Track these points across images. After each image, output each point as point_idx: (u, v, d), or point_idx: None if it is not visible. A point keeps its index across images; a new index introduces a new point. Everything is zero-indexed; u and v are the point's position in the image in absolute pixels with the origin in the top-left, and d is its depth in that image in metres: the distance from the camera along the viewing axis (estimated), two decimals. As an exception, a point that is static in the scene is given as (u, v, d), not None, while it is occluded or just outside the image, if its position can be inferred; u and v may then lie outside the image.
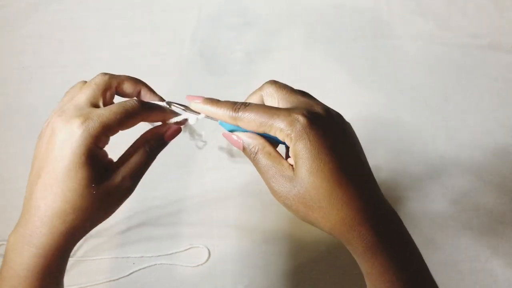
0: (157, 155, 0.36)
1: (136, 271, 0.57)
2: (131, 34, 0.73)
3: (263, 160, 0.33)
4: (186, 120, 0.36)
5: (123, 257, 0.58)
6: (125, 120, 0.33)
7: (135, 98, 0.35)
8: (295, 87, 0.37)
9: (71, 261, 0.53)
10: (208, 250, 0.59)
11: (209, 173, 0.63)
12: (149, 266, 0.58)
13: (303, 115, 0.30)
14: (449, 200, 0.62)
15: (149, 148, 0.35)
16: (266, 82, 0.35)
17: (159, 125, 0.37)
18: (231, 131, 0.35)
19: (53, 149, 0.32)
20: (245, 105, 0.33)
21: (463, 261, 0.59)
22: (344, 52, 0.73)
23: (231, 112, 0.33)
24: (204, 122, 0.36)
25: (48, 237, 0.32)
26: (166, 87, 0.70)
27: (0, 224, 0.59)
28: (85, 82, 0.36)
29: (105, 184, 0.32)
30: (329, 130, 0.31)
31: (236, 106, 0.33)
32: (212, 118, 0.35)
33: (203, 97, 0.35)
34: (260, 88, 0.35)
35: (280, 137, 0.31)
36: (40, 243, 0.32)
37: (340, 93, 0.69)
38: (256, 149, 0.33)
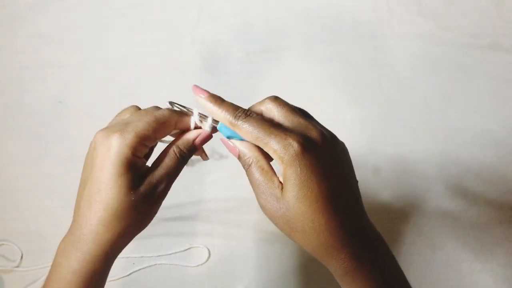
0: (188, 159, 0.37)
1: (136, 271, 0.57)
2: (131, 34, 0.73)
3: (255, 174, 0.34)
4: (214, 128, 0.37)
5: (123, 257, 0.58)
6: (157, 127, 0.35)
7: (167, 109, 0.37)
8: (295, 87, 0.37)
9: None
10: (208, 250, 0.59)
11: (209, 173, 0.63)
12: (149, 266, 0.58)
13: (298, 142, 0.31)
14: (449, 200, 0.62)
15: (179, 153, 0.36)
16: (268, 98, 0.35)
17: (187, 132, 0.38)
18: (229, 137, 0.35)
19: (95, 162, 0.34)
20: (246, 114, 0.33)
21: (463, 261, 0.59)
22: (344, 52, 0.73)
23: (231, 118, 0.34)
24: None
25: (94, 244, 0.34)
26: (166, 87, 0.70)
27: (0, 224, 0.59)
28: (138, 108, 0.38)
29: (141, 190, 0.34)
30: (321, 158, 0.31)
31: (238, 112, 0.34)
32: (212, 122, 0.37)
33: (208, 93, 0.36)
34: (261, 103, 0.35)
35: (273, 156, 0.32)
36: (87, 249, 0.34)
37: (340, 93, 0.69)
38: (250, 161, 0.34)
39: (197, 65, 0.71)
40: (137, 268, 0.57)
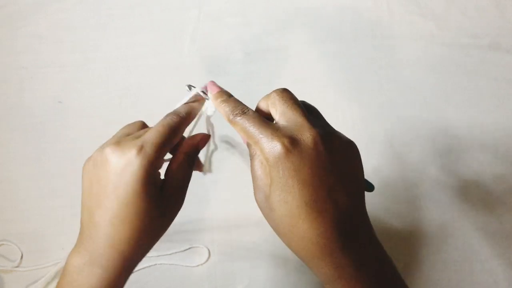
0: (193, 162, 0.38)
1: (136, 271, 0.57)
2: (131, 34, 0.73)
3: (255, 166, 0.33)
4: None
5: (123, 257, 0.58)
6: (173, 136, 0.35)
7: (172, 113, 0.38)
8: (295, 87, 0.37)
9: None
10: (208, 250, 0.59)
11: (210, 173, 0.63)
12: (149, 266, 0.58)
13: (283, 144, 0.30)
14: (449, 200, 0.62)
15: (189, 160, 0.37)
16: (275, 90, 0.35)
17: (191, 137, 0.39)
18: None
19: (114, 177, 0.33)
20: (242, 111, 0.34)
21: (463, 261, 0.59)
22: (344, 52, 0.73)
23: (229, 114, 0.34)
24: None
25: (115, 261, 0.34)
26: (166, 87, 0.70)
27: (0, 224, 0.59)
28: (145, 124, 0.39)
29: (164, 204, 0.34)
30: (307, 162, 0.30)
31: (236, 110, 0.34)
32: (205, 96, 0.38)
33: (219, 89, 0.37)
34: (268, 96, 0.35)
35: (261, 156, 0.32)
36: (107, 266, 0.34)
37: (340, 93, 0.69)
38: (254, 153, 0.34)
39: (197, 65, 0.71)
40: (137, 268, 0.57)
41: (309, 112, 0.34)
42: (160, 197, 0.34)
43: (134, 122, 0.39)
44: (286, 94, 0.34)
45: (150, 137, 0.33)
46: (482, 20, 0.75)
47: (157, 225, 0.35)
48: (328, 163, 0.31)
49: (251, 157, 0.34)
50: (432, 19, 0.75)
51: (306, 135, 0.31)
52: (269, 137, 0.31)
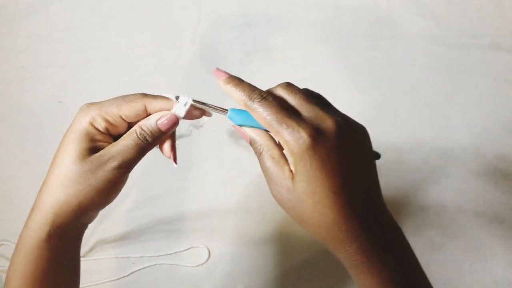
0: (151, 142, 0.34)
1: (136, 271, 0.57)
2: (131, 34, 0.73)
3: (266, 162, 0.32)
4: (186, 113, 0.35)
5: (123, 257, 0.58)
6: (123, 103, 0.34)
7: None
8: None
9: (71, 261, 0.53)
10: (208, 250, 0.59)
11: (210, 173, 0.63)
12: (149, 266, 0.58)
13: (310, 134, 0.30)
14: (448, 200, 0.62)
15: (140, 132, 0.34)
16: (280, 84, 0.34)
17: (155, 114, 0.35)
18: (240, 125, 0.34)
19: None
20: (262, 96, 0.32)
21: (463, 261, 0.59)
22: (344, 52, 0.73)
23: (246, 99, 0.32)
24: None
25: (38, 210, 0.34)
26: (166, 87, 0.70)
27: (0, 224, 0.59)
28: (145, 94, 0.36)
29: (90, 160, 0.33)
30: (332, 152, 0.30)
31: (254, 94, 0.32)
32: (219, 112, 0.35)
33: (227, 74, 0.34)
34: (273, 90, 0.34)
35: (284, 147, 0.31)
36: (33, 217, 0.34)
37: (340, 93, 0.69)
38: (261, 149, 0.33)
39: (197, 65, 0.71)
40: (137, 268, 0.57)
41: (319, 101, 0.34)
42: (87, 159, 0.33)
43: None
44: (293, 87, 0.33)
45: (103, 101, 0.34)
46: (482, 20, 0.75)
47: (85, 183, 0.33)
48: (350, 151, 0.32)
49: (258, 153, 0.33)
50: (432, 19, 0.75)
51: (328, 124, 0.31)
52: (294, 127, 0.30)
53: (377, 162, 0.32)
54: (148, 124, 0.34)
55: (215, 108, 0.35)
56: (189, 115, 0.35)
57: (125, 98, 0.34)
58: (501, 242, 0.60)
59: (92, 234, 0.58)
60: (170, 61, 0.71)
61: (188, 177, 0.63)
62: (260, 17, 0.75)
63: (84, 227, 0.37)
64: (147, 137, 0.34)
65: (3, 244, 0.58)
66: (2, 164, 0.63)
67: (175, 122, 0.35)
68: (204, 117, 0.37)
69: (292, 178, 0.31)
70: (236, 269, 0.58)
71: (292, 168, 0.31)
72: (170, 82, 0.70)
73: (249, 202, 0.61)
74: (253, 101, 0.32)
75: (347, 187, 0.31)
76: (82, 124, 0.33)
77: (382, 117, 0.68)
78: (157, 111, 0.35)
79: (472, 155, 0.66)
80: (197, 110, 0.36)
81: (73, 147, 0.33)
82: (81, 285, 0.55)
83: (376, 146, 0.66)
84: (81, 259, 0.56)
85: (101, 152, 0.33)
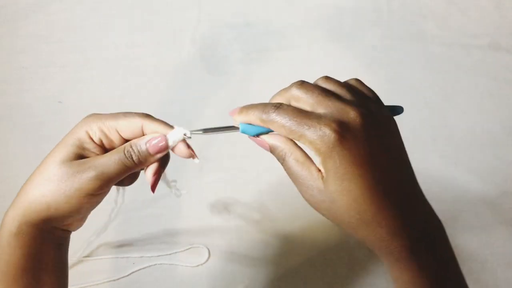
0: (137, 162, 0.33)
1: (136, 271, 0.57)
2: (131, 34, 0.73)
3: (292, 167, 0.31)
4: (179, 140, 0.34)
5: (123, 257, 0.58)
6: (122, 117, 0.34)
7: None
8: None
9: (71, 261, 0.53)
10: (208, 250, 0.59)
11: (210, 173, 0.63)
12: (149, 266, 0.58)
13: (334, 130, 0.28)
14: (448, 200, 0.62)
15: (127, 150, 0.33)
16: (294, 84, 0.32)
17: (147, 135, 0.35)
18: (256, 135, 0.33)
19: None
20: (276, 107, 0.31)
21: (463, 261, 0.59)
22: (344, 52, 0.73)
23: (261, 114, 0.31)
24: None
25: (13, 205, 0.34)
26: (166, 87, 0.70)
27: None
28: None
29: (70, 164, 0.33)
30: (361, 145, 0.29)
31: (267, 107, 0.31)
32: (231, 130, 0.34)
33: (239, 107, 0.33)
34: (286, 90, 0.33)
35: (310, 148, 0.30)
36: (6, 212, 0.34)
37: (340, 93, 0.69)
38: (283, 154, 0.32)
39: (197, 65, 0.71)
40: (137, 268, 0.57)
41: (349, 88, 0.32)
42: (68, 163, 0.33)
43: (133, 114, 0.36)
44: (308, 84, 0.32)
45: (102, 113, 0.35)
46: (482, 20, 0.75)
47: (60, 185, 0.32)
48: (380, 142, 0.30)
49: (282, 160, 0.32)
50: (432, 19, 0.75)
51: (352, 116, 0.29)
52: (316, 126, 0.29)
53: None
54: (138, 143, 0.34)
55: (225, 129, 0.35)
56: (178, 150, 0.35)
57: (126, 113, 0.35)
58: (501, 242, 0.60)
59: (92, 234, 0.58)
60: (170, 61, 0.71)
61: (189, 177, 0.63)
62: (260, 17, 0.75)
63: (60, 232, 0.36)
64: (133, 156, 0.33)
65: (3, 244, 0.58)
66: (2, 164, 0.63)
67: (164, 147, 0.34)
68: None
69: (322, 178, 0.30)
70: (236, 269, 0.58)
71: (321, 168, 0.30)
72: (170, 82, 0.70)
73: (249, 202, 0.61)
74: (268, 114, 0.31)
75: (382, 181, 0.29)
76: (77, 131, 0.34)
77: (382, 117, 0.68)
78: (150, 132, 0.34)
79: (472, 155, 0.66)
80: (187, 149, 0.35)
81: (61, 150, 0.34)
82: (81, 285, 0.55)
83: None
84: (82, 259, 0.56)
85: (84, 160, 0.33)
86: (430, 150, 0.66)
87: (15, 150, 0.64)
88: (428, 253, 0.31)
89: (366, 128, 0.29)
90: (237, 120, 0.33)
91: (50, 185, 0.33)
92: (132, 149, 0.33)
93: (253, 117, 0.32)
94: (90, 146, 0.34)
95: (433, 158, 0.65)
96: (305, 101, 0.31)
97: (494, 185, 0.63)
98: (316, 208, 0.31)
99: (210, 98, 0.68)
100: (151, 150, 0.34)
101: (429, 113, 0.69)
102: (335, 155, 0.29)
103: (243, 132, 0.33)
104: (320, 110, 0.30)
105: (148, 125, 0.34)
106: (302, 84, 0.32)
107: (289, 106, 0.31)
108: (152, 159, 0.34)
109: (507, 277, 0.58)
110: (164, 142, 0.34)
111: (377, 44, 0.73)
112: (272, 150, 0.32)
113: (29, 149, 0.64)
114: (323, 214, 0.31)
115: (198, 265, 0.58)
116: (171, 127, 0.34)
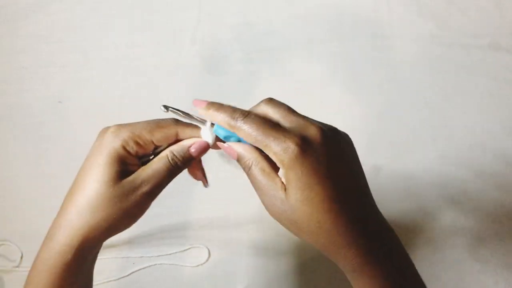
0: (181, 166, 0.36)
1: (136, 271, 0.57)
2: (131, 34, 0.73)
3: (257, 176, 0.33)
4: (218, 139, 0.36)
5: (123, 257, 0.58)
6: (155, 129, 0.34)
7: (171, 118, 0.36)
8: (295, 87, 0.37)
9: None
10: (208, 250, 0.59)
11: (210, 173, 0.63)
12: (149, 266, 0.58)
13: (297, 143, 0.30)
14: (448, 200, 0.62)
15: (171, 157, 0.35)
16: (262, 101, 0.34)
17: (187, 139, 0.37)
18: (226, 137, 0.34)
19: (89, 153, 0.34)
20: (244, 115, 0.32)
21: (463, 261, 0.59)
22: (344, 52, 0.73)
23: (229, 119, 0.33)
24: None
25: (65, 232, 0.33)
26: (166, 87, 0.70)
27: (0, 224, 0.59)
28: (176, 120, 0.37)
29: (122, 184, 0.33)
30: (321, 158, 0.31)
31: (236, 114, 0.33)
32: (199, 123, 0.36)
33: (207, 102, 0.35)
34: (256, 107, 0.34)
35: (273, 159, 0.31)
36: (58, 238, 0.33)
37: (340, 93, 0.69)
38: (250, 163, 0.33)
39: (197, 65, 0.71)
40: (137, 268, 0.57)
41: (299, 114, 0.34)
42: (120, 183, 0.33)
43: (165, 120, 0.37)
44: (275, 101, 0.34)
45: (134, 122, 0.34)
46: (482, 20, 0.75)
47: (116, 206, 0.33)
48: (338, 156, 0.32)
49: (247, 168, 0.33)
50: (432, 19, 0.75)
51: (312, 132, 0.31)
52: (281, 138, 0.31)
53: (377, 162, 0.32)
54: (180, 150, 0.35)
55: (196, 120, 0.36)
56: (214, 146, 0.37)
57: (158, 123, 0.35)
58: (501, 242, 0.60)
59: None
60: (170, 61, 0.71)
61: (188, 177, 0.63)
62: (260, 17, 0.75)
63: (100, 247, 0.37)
64: (178, 162, 0.35)
65: (3, 244, 0.58)
66: (2, 164, 0.63)
67: (206, 148, 0.36)
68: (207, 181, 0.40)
69: (285, 190, 0.31)
70: (236, 269, 0.58)
71: (283, 180, 0.32)
72: (170, 82, 0.70)
73: (249, 202, 0.61)
74: (236, 120, 0.32)
75: (341, 191, 0.31)
76: (114, 147, 0.33)
77: (382, 117, 0.68)
78: (188, 138, 0.36)
79: (472, 155, 0.66)
80: (216, 148, 0.37)
81: (104, 170, 0.33)
82: (81, 285, 0.56)
83: (376, 145, 0.66)
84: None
85: (133, 176, 0.34)
86: (430, 150, 0.66)
87: (15, 150, 0.64)
88: (386, 261, 0.32)
89: (326, 142, 0.31)
90: (202, 114, 0.35)
91: (108, 209, 0.33)
92: (176, 156, 0.35)
93: (221, 119, 0.33)
94: (130, 160, 0.34)
95: (433, 158, 0.65)
96: (272, 115, 0.33)
97: (495, 185, 0.63)
98: (278, 219, 0.33)
99: (210, 98, 0.68)
100: (195, 154, 0.36)
101: (429, 113, 0.69)
102: (297, 166, 0.30)
103: (215, 131, 0.35)
104: (286, 124, 0.32)
105: (183, 132, 0.36)
106: (270, 100, 0.34)
107: (256, 115, 0.32)
108: (194, 161, 0.37)
109: (507, 277, 0.58)
110: (205, 144, 0.36)
111: (377, 44, 0.73)
112: (239, 158, 0.34)
113: (29, 149, 0.64)
114: (284, 225, 0.33)
115: (198, 265, 0.58)
116: (202, 122, 0.36)
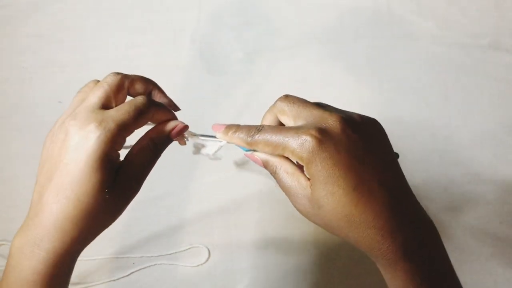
0: (162, 153, 0.36)
1: (136, 271, 0.57)
2: (131, 34, 0.73)
3: (282, 179, 0.32)
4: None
5: (123, 257, 0.58)
6: (139, 117, 0.33)
7: (142, 95, 0.35)
8: (295, 87, 0.37)
9: (71, 261, 0.53)
10: (208, 250, 0.59)
11: (210, 173, 0.63)
12: (149, 266, 0.58)
13: (312, 135, 0.29)
14: (448, 200, 0.62)
15: (154, 146, 0.35)
16: (278, 99, 0.34)
17: (163, 123, 0.36)
18: (249, 150, 0.35)
19: (67, 152, 0.31)
20: (258, 129, 0.32)
21: (463, 261, 0.59)
22: (344, 52, 0.73)
23: (246, 138, 0.33)
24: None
25: (59, 242, 0.31)
26: (166, 87, 0.70)
27: (0, 224, 0.59)
28: (97, 81, 0.36)
29: (116, 187, 0.32)
30: (342, 147, 0.30)
31: (251, 131, 0.33)
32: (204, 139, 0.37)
33: (224, 126, 0.35)
34: (273, 106, 0.34)
35: (293, 159, 0.31)
36: (51, 248, 0.31)
37: (340, 93, 0.69)
38: (274, 167, 0.33)
39: (197, 65, 0.71)
40: (137, 268, 0.57)
41: (318, 105, 0.34)
42: (114, 179, 0.32)
43: (86, 84, 0.37)
44: (291, 97, 0.34)
45: (114, 114, 0.32)
46: (482, 20, 0.75)
47: (107, 208, 0.32)
48: (360, 143, 0.31)
49: (274, 173, 0.33)
50: (432, 19, 0.75)
51: (331, 121, 0.30)
52: (295, 136, 0.30)
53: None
54: (160, 136, 0.36)
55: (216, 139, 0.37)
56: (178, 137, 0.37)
57: (137, 109, 0.33)
58: (501, 242, 0.60)
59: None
60: (170, 61, 0.71)
61: (188, 176, 0.63)
62: (260, 17, 0.75)
63: None
64: (161, 149, 0.36)
65: (3, 244, 0.58)
66: (2, 164, 0.63)
67: (185, 128, 0.37)
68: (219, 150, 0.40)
69: (310, 187, 0.30)
70: (236, 269, 0.58)
71: (307, 176, 0.31)
72: (170, 82, 0.70)
73: (249, 202, 0.61)
74: (252, 136, 0.33)
75: (366, 180, 0.30)
76: (105, 150, 0.31)
77: (382, 117, 0.68)
78: (160, 120, 0.36)
79: (472, 155, 0.66)
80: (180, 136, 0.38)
81: (98, 176, 0.31)
82: (81, 285, 0.56)
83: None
84: (82, 259, 0.56)
85: (123, 177, 0.33)
86: (430, 150, 0.66)
87: (15, 150, 0.64)
88: (421, 253, 0.31)
89: (347, 131, 0.30)
90: (220, 136, 0.35)
91: (105, 218, 0.34)
92: (157, 144, 0.35)
93: (239, 140, 0.34)
94: (116, 155, 0.33)
95: (433, 158, 0.65)
96: (288, 113, 0.33)
97: (495, 185, 0.63)
98: (308, 218, 0.32)
99: (210, 98, 0.68)
100: (176, 137, 0.37)
101: (429, 113, 0.69)
102: (316, 160, 0.29)
103: (240, 147, 0.35)
104: (301, 120, 0.32)
105: (157, 114, 0.36)
106: (286, 97, 0.34)
107: (269, 126, 0.33)
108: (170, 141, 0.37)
109: (507, 277, 0.58)
110: (184, 126, 0.37)
111: (377, 44, 0.73)
112: (265, 165, 0.34)
113: (29, 149, 0.64)
114: (315, 223, 0.32)
115: (198, 265, 0.58)
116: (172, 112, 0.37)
